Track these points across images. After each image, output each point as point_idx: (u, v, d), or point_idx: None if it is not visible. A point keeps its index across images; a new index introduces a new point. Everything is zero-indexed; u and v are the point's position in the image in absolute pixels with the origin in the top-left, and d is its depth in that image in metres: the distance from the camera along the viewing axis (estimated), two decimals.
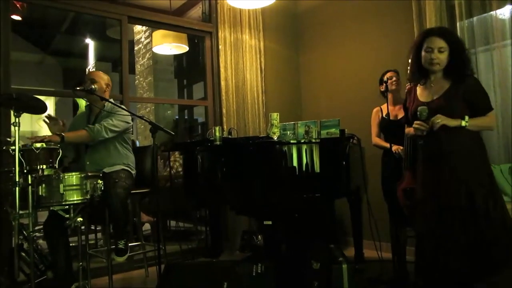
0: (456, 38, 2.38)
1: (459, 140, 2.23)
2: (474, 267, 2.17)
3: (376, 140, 3.33)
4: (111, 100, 3.03)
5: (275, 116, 2.85)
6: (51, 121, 2.91)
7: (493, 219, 2.18)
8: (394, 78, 3.22)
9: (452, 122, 2.20)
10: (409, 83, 2.54)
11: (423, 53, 2.31)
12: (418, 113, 2.24)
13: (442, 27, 2.51)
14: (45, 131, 3.00)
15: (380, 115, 3.34)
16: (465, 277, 2.19)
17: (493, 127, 2.47)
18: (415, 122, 2.27)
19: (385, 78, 3.19)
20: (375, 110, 3.40)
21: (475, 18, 3.22)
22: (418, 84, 2.43)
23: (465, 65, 2.29)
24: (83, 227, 2.88)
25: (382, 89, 3.22)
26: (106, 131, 2.91)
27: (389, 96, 3.16)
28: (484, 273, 2.19)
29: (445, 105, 2.25)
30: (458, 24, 3.26)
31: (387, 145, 3.08)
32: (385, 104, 3.01)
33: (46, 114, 2.85)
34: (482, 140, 2.34)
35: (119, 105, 3.06)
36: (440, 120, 2.18)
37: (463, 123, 2.19)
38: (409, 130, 2.47)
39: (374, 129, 3.37)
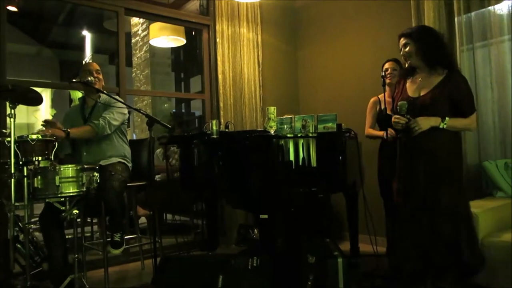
0: (416, 29, 2.50)
1: (437, 138, 2.30)
2: (440, 264, 2.26)
3: (369, 131, 3.24)
4: (105, 92, 3.02)
5: (272, 110, 2.84)
6: (48, 125, 2.80)
7: (460, 218, 2.27)
8: (389, 71, 3.16)
9: (430, 123, 2.28)
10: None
11: None
12: (398, 108, 2.35)
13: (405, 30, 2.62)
14: (40, 122, 2.98)
15: (378, 107, 3.24)
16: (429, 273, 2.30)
17: (472, 128, 2.55)
18: (394, 116, 2.37)
19: (382, 71, 3.15)
20: (372, 100, 3.30)
21: (473, 13, 3.21)
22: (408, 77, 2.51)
23: (435, 47, 2.36)
24: (79, 220, 2.88)
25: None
26: (110, 127, 2.92)
27: (387, 89, 3.11)
28: (450, 273, 2.27)
29: (430, 103, 2.32)
30: (456, 19, 3.24)
31: (380, 133, 3.06)
32: (383, 95, 2.98)
33: (42, 119, 2.84)
34: (460, 139, 2.43)
35: (114, 97, 3.05)
36: (419, 128, 2.28)
37: (441, 125, 2.27)
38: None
39: (369, 120, 3.27)
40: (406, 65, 2.51)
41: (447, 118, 2.27)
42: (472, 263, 2.28)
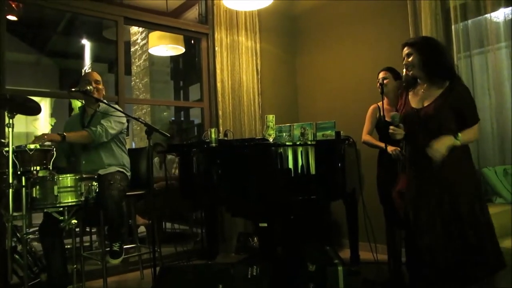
0: (421, 40, 2.48)
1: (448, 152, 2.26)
2: (460, 270, 2.22)
3: (367, 137, 3.18)
4: (105, 101, 3.02)
5: (271, 118, 2.85)
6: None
7: (481, 225, 2.23)
8: (380, 81, 3.12)
9: (447, 144, 2.22)
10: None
11: None
12: (391, 119, 2.36)
13: (409, 39, 2.61)
14: (39, 132, 2.98)
15: (378, 114, 3.20)
16: (452, 278, 2.24)
17: (476, 139, 2.53)
18: (390, 127, 2.37)
19: (378, 80, 3.14)
20: (372, 107, 3.26)
21: (470, 21, 3.24)
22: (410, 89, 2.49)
23: (438, 60, 2.34)
24: (77, 229, 2.87)
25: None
26: (107, 135, 2.92)
27: (385, 97, 3.09)
28: (471, 278, 2.24)
29: (433, 114, 2.30)
30: (453, 27, 3.27)
31: (379, 144, 3.05)
32: (381, 102, 2.97)
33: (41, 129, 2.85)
34: (468, 147, 2.38)
35: (113, 105, 3.05)
36: (439, 155, 2.21)
37: (458, 143, 2.23)
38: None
39: (367, 126, 3.22)
40: (404, 74, 2.48)
41: (459, 134, 2.23)
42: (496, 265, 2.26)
